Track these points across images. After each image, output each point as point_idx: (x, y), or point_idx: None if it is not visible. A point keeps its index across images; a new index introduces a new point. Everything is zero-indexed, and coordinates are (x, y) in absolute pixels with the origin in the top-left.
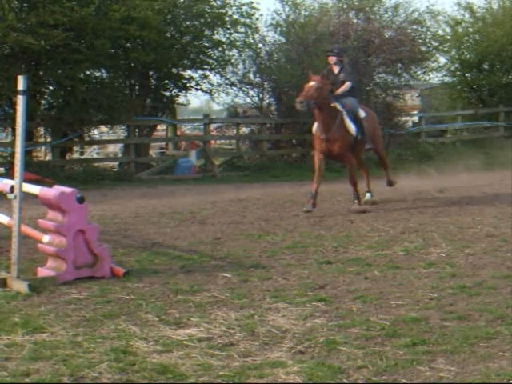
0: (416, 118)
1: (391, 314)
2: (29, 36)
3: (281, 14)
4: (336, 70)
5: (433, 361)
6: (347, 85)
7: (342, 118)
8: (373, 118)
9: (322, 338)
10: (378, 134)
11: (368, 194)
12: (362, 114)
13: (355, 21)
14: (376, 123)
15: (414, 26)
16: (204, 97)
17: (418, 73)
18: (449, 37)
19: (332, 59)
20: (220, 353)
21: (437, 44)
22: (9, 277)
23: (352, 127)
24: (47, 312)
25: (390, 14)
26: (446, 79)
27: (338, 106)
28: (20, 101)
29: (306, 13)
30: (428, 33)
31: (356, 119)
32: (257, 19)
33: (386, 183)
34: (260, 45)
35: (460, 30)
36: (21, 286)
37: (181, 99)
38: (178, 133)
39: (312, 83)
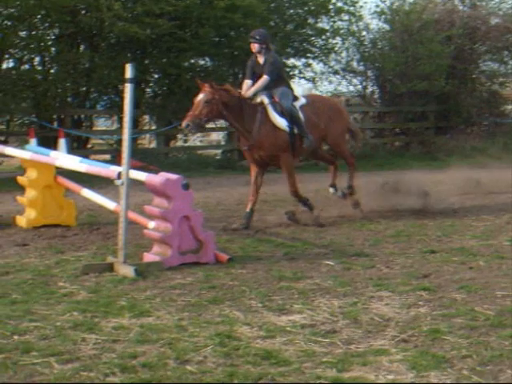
0: None
1: (496, 305)
2: (135, 25)
3: (385, 1)
4: (261, 59)
5: None
6: (264, 80)
7: (266, 111)
8: (323, 106)
9: (425, 327)
10: (333, 127)
11: (331, 189)
12: (300, 101)
13: (461, 8)
14: (329, 112)
15: None
16: (306, 85)
17: None
18: None
19: (254, 47)
20: (323, 340)
21: None
22: (116, 261)
23: (280, 121)
24: (153, 296)
25: (496, 0)
26: None
27: (265, 100)
28: (128, 89)
29: (411, 0)
30: None
31: (284, 111)
32: (361, 7)
33: (342, 191)
34: (364, 32)
35: None
36: (127, 271)
37: None
38: None
39: (200, 97)
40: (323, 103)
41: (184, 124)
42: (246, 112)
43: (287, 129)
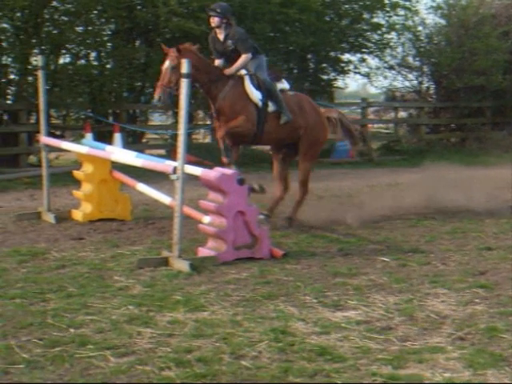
0: None
1: None
2: (190, 21)
3: None
4: (221, 35)
5: None
6: (245, 58)
7: (242, 81)
8: (309, 107)
9: (482, 325)
10: (313, 136)
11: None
12: (282, 84)
13: None
14: (311, 116)
15: None
16: (361, 80)
17: None
18: None
19: (214, 20)
20: (378, 336)
21: None
22: (171, 256)
23: (255, 93)
24: (207, 291)
25: None
26: None
27: (242, 71)
28: (183, 84)
29: None
30: None
31: (261, 83)
32: (417, 2)
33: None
34: (420, 28)
35: None
36: (182, 265)
37: (338, 82)
38: None
39: (166, 64)
40: (309, 105)
41: (155, 98)
42: (218, 78)
43: (260, 103)
